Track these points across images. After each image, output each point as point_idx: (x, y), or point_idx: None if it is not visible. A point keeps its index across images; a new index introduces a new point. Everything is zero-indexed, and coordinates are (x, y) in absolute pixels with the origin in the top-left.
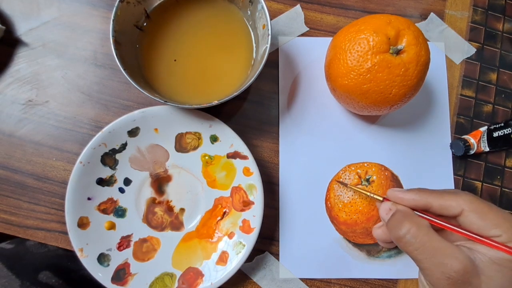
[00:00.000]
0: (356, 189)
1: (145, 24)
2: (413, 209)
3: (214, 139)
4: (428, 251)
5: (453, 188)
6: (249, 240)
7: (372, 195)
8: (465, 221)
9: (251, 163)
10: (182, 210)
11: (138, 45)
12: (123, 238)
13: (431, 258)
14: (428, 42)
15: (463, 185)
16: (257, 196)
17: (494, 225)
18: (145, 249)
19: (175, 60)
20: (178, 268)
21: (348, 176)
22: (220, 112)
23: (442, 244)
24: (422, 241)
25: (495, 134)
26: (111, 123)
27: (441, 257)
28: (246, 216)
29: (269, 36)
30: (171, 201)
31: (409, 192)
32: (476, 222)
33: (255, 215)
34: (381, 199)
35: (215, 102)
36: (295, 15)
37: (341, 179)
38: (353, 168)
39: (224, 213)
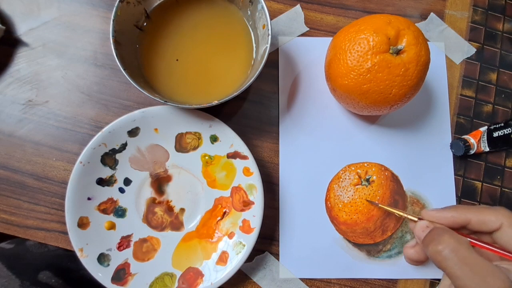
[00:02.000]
0: (390, 209)
1: (145, 24)
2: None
3: (214, 139)
4: (468, 267)
5: (453, 188)
6: (249, 240)
7: (406, 215)
8: (502, 236)
9: (251, 163)
10: (182, 210)
11: (138, 45)
12: (123, 238)
13: (472, 275)
14: (428, 42)
15: (463, 185)
16: (257, 196)
17: None
18: (145, 249)
19: (177, 60)
20: (178, 268)
21: (348, 176)
22: (220, 112)
23: (483, 262)
24: (462, 256)
25: (495, 134)
26: (111, 123)
27: (483, 275)
28: (246, 216)
29: (269, 36)
30: (171, 201)
31: (447, 210)
32: None
33: (255, 215)
34: (415, 219)
35: (215, 102)
36: (295, 15)
37: (341, 179)
38: (353, 168)
39: (224, 213)
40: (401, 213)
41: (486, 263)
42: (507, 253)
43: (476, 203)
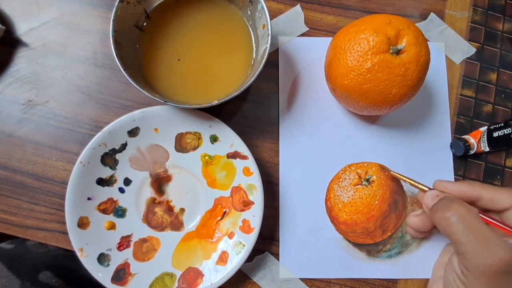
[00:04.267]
0: (402, 177)
1: (145, 24)
2: None
3: (214, 139)
4: (474, 234)
5: None
6: (249, 240)
7: (417, 184)
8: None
9: (251, 163)
10: (182, 210)
11: (138, 45)
12: (123, 238)
13: (477, 242)
14: (428, 42)
15: None
16: (257, 196)
17: None
18: (145, 249)
19: (178, 60)
20: (178, 268)
21: (348, 176)
22: (220, 112)
23: (490, 233)
24: (469, 224)
25: (495, 134)
26: (111, 123)
27: (489, 244)
28: (246, 216)
29: (269, 36)
30: (171, 201)
31: (460, 183)
32: None
33: (255, 215)
34: (426, 189)
35: (215, 102)
36: (295, 15)
37: (341, 179)
38: (353, 168)
39: (224, 213)
40: (413, 181)
41: (492, 234)
42: None
43: None
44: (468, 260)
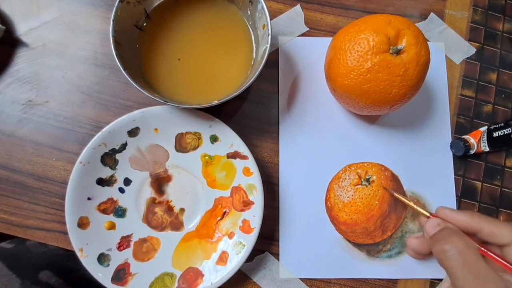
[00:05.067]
0: (404, 200)
1: (145, 24)
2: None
3: (214, 139)
4: (470, 271)
5: (453, 188)
6: (249, 240)
7: (419, 209)
8: (511, 252)
9: (251, 163)
10: (182, 210)
11: (138, 45)
12: (123, 238)
13: (471, 278)
14: (428, 42)
15: (463, 185)
16: (257, 196)
17: None
18: (145, 249)
19: (179, 59)
20: (178, 268)
21: (348, 176)
22: (220, 112)
23: (486, 269)
24: (466, 260)
25: (495, 134)
26: (111, 123)
27: (483, 281)
28: (246, 216)
29: (269, 36)
30: (171, 201)
31: (462, 213)
32: None
33: (255, 215)
34: (428, 214)
35: (215, 102)
36: (295, 15)
37: (341, 179)
38: (353, 168)
39: (224, 213)
40: (415, 206)
41: (489, 270)
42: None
43: (476, 203)
44: None
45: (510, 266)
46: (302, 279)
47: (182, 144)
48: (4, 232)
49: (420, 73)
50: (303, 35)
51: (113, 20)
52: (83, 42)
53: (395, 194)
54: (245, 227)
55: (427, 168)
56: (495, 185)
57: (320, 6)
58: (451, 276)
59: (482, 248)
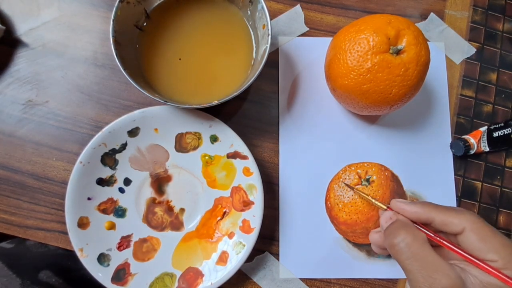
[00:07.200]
0: (361, 193)
1: (145, 24)
2: (414, 222)
3: (214, 139)
4: (419, 262)
5: (453, 188)
6: (249, 240)
7: (376, 202)
8: (464, 240)
9: (251, 163)
10: (182, 210)
11: (138, 45)
12: (123, 238)
13: (421, 270)
14: (428, 42)
15: (463, 185)
16: (257, 196)
17: (492, 250)
18: (145, 249)
19: (180, 59)
20: (178, 268)
21: (348, 176)
22: (220, 112)
23: (435, 259)
24: (415, 252)
25: (495, 134)
26: (111, 123)
27: (432, 271)
28: (246, 216)
29: (269, 36)
30: (171, 201)
31: (413, 205)
32: (474, 243)
33: (255, 215)
34: (384, 207)
35: (215, 102)
36: (295, 15)
37: (341, 179)
38: (353, 168)
39: (224, 213)
40: (372, 200)
41: (438, 260)
42: (465, 254)
43: (476, 203)
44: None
45: (463, 253)
46: (302, 279)
47: (182, 144)
48: (4, 232)
49: (420, 73)
50: (303, 35)
51: (113, 20)
52: (83, 42)
53: (355, 189)
54: (245, 227)
55: (427, 168)
56: (495, 185)
57: (320, 6)
58: (404, 270)
59: (438, 238)
